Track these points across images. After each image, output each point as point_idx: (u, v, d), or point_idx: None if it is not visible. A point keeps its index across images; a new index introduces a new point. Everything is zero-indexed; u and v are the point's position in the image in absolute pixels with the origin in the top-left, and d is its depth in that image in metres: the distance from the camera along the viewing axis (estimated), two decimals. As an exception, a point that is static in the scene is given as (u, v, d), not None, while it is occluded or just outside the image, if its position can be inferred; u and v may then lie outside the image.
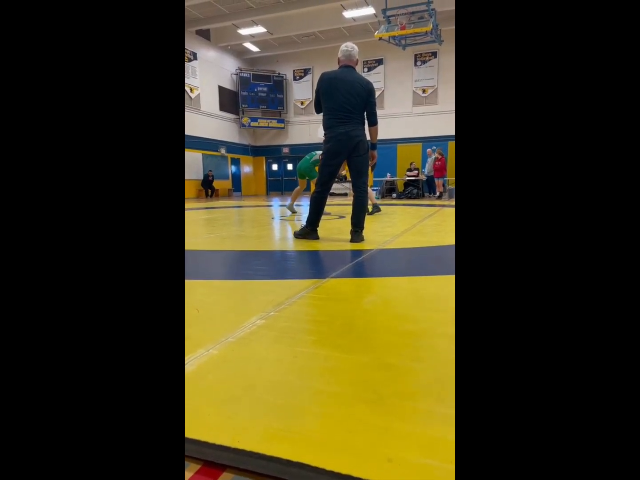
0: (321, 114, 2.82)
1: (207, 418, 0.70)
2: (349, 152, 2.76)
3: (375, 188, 11.63)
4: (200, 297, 1.52)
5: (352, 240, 2.77)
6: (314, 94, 2.85)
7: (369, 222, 4.07)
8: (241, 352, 0.99)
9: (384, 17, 10.53)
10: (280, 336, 1.08)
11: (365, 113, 2.76)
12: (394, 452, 0.60)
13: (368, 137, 2.85)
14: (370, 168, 2.87)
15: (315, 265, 2.16)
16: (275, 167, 16.63)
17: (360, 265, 2.02)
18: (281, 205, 8.07)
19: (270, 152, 16.41)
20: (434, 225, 4.00)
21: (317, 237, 2.94)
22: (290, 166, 16.31)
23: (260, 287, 1.68)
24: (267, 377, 0.86)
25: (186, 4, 10.70)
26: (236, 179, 15.80)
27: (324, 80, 2.75)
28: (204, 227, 4.06)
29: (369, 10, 11.36)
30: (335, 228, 3.86)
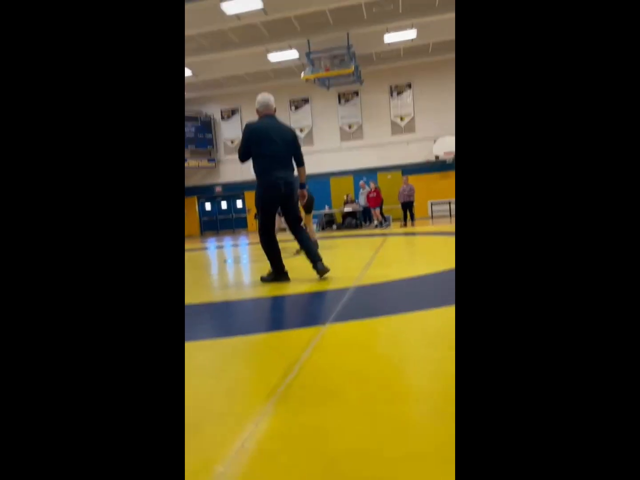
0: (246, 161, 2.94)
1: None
2: (286, 197, 2.92)
3: (314, 220, 11.83)
4: (207, 361, 1.41)
5: (319, 274, 2.85)
6: (241, 144, 2.89)
7: (329, 257, 4.10)
8: (296, 420, 0.92)
9: (307, 61, 11.10)
10: (323, 396, 1.03)
11: (293, 157, 2.98)
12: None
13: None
14: (301, 206, 3.01)
15: (306, 311, 2.12)
16: (208, 206, 16.26)
17: (350, 306, 2.02)
18: (220, 246, 7.84)
19: (202, 192, 16.05)
20: (392, 255, 4.14)
21: (288, 279, 2.89)
22: (224, 204, 16.06)
23: (263, 341, 1.60)
24: (345, 446, 0.81)
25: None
26: (168, 222, 15.14)
27: (253, 131, 2.87)
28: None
29: (293, 54, 11.89)
30: (300, 266, 3.84)
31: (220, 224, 16.03)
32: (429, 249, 4.47)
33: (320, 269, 2.84)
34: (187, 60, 11.74)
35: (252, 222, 15.27)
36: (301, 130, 14.94)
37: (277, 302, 2.38)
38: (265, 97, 2.98)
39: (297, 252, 5.21)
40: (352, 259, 3.94)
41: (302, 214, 5.18)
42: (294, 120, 14.92)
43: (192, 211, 16.26)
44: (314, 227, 5.54)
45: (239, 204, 15.93)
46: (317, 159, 14.82)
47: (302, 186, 3.10)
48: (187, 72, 12.66)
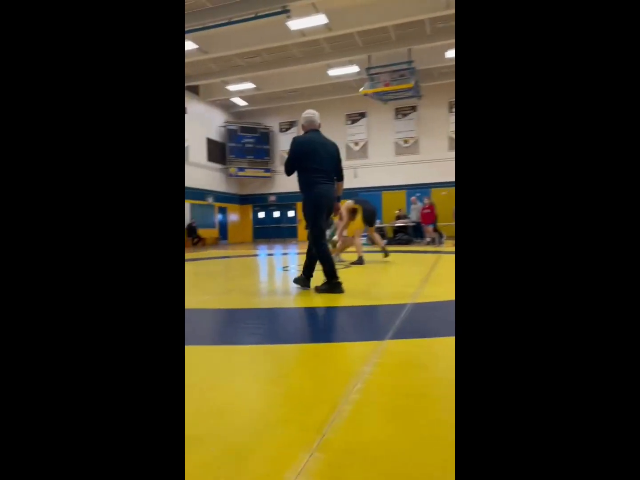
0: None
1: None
2: (330, 209, 3.00)
3: (364, 234, 11.77)
4: (264, 366, 1.44)
5: (320, 290, 2.90)
6: (289, 156, 2.97)
7: (383, 271, 4.06)
8: (361, 436, 0.92)
9: (367, 75, 11.20)
10: (390, 414, 1.02)
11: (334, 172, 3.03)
12: None
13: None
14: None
15: (364, 325, 2.11)
16: (262, 214, 16.74)
17: (407, 324, 1.98)
18: (283, 254, 8.01)
19: (257, 200, 16.58)
20: (449, 273, 4.03)
21: (342, 290, 2.90)
22: (277, 213, 16.46)
23: (322, 352, 1.61)
24: (415, 471, 0.79)
25: (178, 62, 11.07)
26: (223, 227, 15.76)
27: (301, 144, 2.96)
28: (214, 281, 3.97)
29: (353, 69, 12.06)
30: (354, 279, 3.84)
31: (272, 232, 16.43)
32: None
33: (329, 287, 2.86)
34: (251, 74, 12.29)
35: (303, 232, 15.51)
36: (356, 144, 15.04)
37: (333, 313, 2.39)
38: (310, 112, 3.11)
39: (352, 263, 5.21)
40: (406, 275, 3.88)
41: (360, 227, 5.20)
42: (350, 133, 15.05)
43: (246, 218, 16.83)
44: (361, 240, 5.56)
45: (291, 213, 16.25)
46: (370, 173, 14.82)
47: (338, 199, 3.16)
48: (251, 85, 13.23)
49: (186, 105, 13.54)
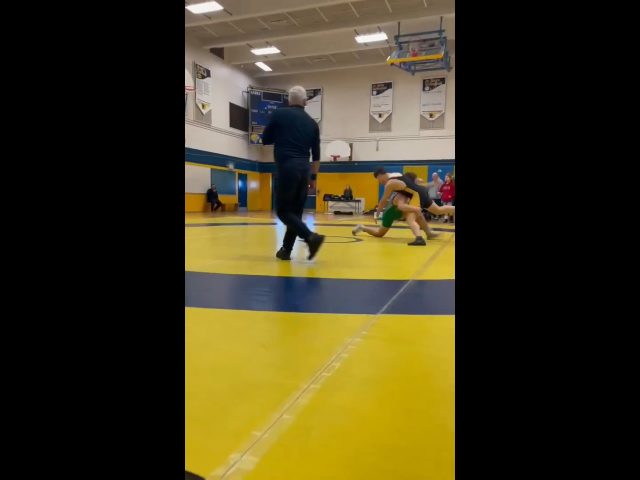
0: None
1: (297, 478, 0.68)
2: (301, 183, 3.07)
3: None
4: (258, 331, 1.50)
5: (310, 248, 3.07)
6: (266, 126, 3.10)
7: (392, 246, 4.06)
8: (333, 403, 0.96)
9: (395, 44, 10.77)
10: (363, 384, 1.06)
11: (311, 149, 3.14)
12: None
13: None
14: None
15: (360, 298, 2.15)
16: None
17: (404, 299, 2.00)
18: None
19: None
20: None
21: (321, 239, 3.08)
22: (296, 184, 16.41)
23: (312, 321, 1.65)
24: (378, 439, 0.83)
25: (202, 23, 10.92)
26: (242, 194, 15.86)
27: (280, 116, 3.07)
28: (227, 247, 4.06)
29: (381, 36, 11.61)
30: (358, 252, 3.86)
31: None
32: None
33: (311, 245, 3.02)
34: (276, 38, 11.99)
35: (320, 203, 15.49)
36: (380, 116, 14.68)
37: (332, 286, 2.43)
38: (295, 88, 3.14)
39: (354, 232, 5.21)
40: (416, 253, 3.87)
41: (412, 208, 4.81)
42: (374, 104, 14.67)
43: (266, 187, 16.86)
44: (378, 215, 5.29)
45: (310, 184, 16.16)
46: (392, 146, 14.52)
47: (313, 177, 3.22)
48: (276, 50, 12.94)
49: (210, 68, 13.39)
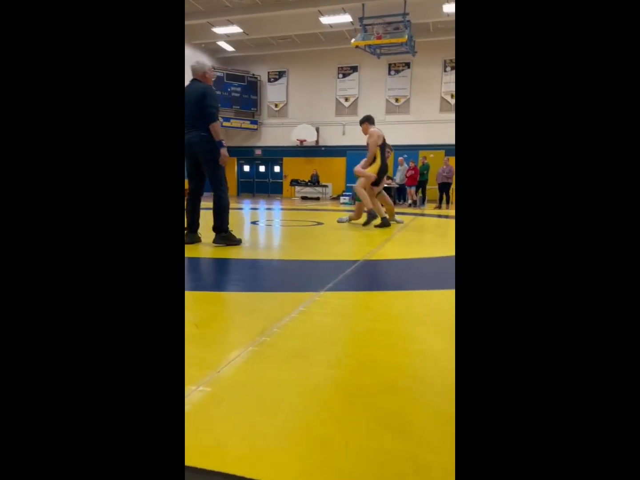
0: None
1: (233, 448, 0.68)
2: (193, 157, 2.92)
3: (347, 194, 11.73)
4: (195, 311, 1.48)
5: (214, 241, 2.94)
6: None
7: (349, 230, 4.10)
8: (252, 374, 0.97)
9: (360, 26, 10.69)
10: (288, 356, 1.07)
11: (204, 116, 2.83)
12: (434, 485, 0.60)
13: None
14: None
15: (305, 277, 2.16)
16: (247, 168, 16.45)
17: (350, 278, 2.03)
18: (253, 208, 7.96)
19: (242, 153, 16.22)
20: (415, 235, 4.09)
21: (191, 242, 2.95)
22: (262, 168, 16.19)
23: (254, 300, 1.65)
24: (285, 400, 0.84)
25: (160, -2, 10.38)
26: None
27: None
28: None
29: (346, 18, 11.48)
30: (314, 235, 3.87)
31: (257, 187, 16.23)
32: (454, 233, 4.37)
33: (218, 243, 2.91)
34: (239, 17, 11.63)
35: (288, 189, 15.37)
36: (346, 99, 14.62)
37: (282, 266, 2.43)
38: (193, 62, 3.02)
39: (349, 219, 4.78)
40: (370, 235, 3.92)
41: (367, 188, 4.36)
42: (340, 88, 14.57)
43: (231, 171, 16.53)
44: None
45: (277, 168, 16.00)
46: (358, 130, 14.51)
47: (220, 145, 2.88)
48: (238, 29, 12.55)
49: (169, 47, 12.85)
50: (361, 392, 0.89)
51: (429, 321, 1.42)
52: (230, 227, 3.04)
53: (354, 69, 14.41)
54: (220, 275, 2.18)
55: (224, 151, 2.92)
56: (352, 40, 10.82)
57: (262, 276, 2.15)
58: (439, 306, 1.59)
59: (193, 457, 0.66)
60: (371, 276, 2.17)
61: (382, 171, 4.38)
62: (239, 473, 0.63)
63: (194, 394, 0.86)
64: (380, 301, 1.67)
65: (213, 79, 3.10)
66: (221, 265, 2.40)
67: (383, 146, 4.40)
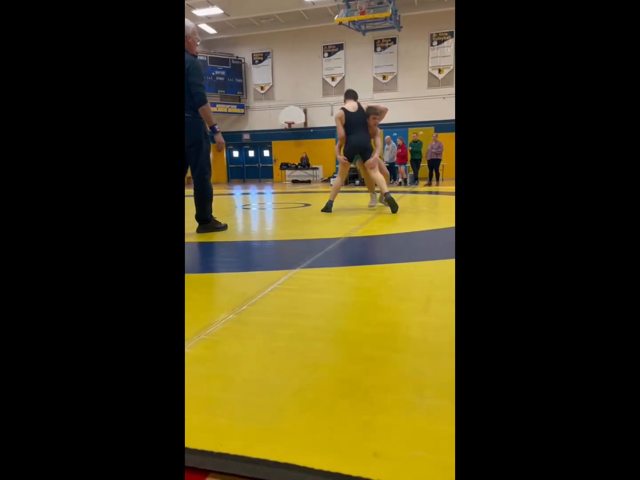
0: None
1: (185, 422, 0.68)
2: (188, 142, 2.59)
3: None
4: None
5: (197, 231, 2.77)
6: None
7: (334, 208, 4.07)
8: (216, 350, 0.96)
9: (343, 2, 10.43)
10: (255, 331, 1.06)
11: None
12: (380, 447, 0.60)
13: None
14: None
15: (285, 256, 2.15)
16: (236, 154, 16.26)
17: (329, 254, 2.02)
18: (244, 194, 7.90)
19: (231, 139, 15.99)
20: (401, 212, 4.07)
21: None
22: (251, 153, 16.02)
23: (228, 280, 1.64)
24: (245, 375, 0.84)
25: (136, -20, 10.08)
26: (195, 167, 15.33)
27: None
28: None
29: (329, -6, 11.21)
30: (301, 216, 3.85)
31: (247, 173, 16.07)
32: (442, 209, 4.36)
33: (200, 231, 2.74)
34: (218, -3, 11.31)
35: (278, 173, 15.24)
36: (333, 79, 14.38)
37: (262, 247, 2.41)
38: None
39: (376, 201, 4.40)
40: (357, 214, 3.90)
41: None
42: (326, 67, 14.31)
43: (220, 158, 16.33)
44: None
45: (266, 153, 15.83)
46: (347, 111, 14.34)
47: (213, 130, 2.58)
48: (218, 11, 12.23)
49: (149, 31, 12.52)
50: (324, 362, 0.89)
51: (402, 293, 1.41)
52: (220, 212, 3.00)
53: (340, 47, 14.13)
54: (199, 258, 2.16)
55: (219, 137, 2.68)
56: (336, 17, 10.58)
57: (240, 257, 2.13)
58: (414, 277, 1.58)
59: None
60: (349, 252, 2.16)
61: (350, 149, 4.06)
62: (191, 445, 0.62)
63: (152, 371, 0.85)
64: (356, 275, 1.67)
65: (198, 43, 2.67)
66: (201, 248, 2.38)
67: (350, 124, 4.06)
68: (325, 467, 0.56)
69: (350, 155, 4.08)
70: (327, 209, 3.97)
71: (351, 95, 4.19)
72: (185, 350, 0.95)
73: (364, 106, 4.08)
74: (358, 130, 4.00)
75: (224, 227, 2.90)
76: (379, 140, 4.16)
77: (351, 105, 4.06)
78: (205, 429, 0.66)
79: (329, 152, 14.46)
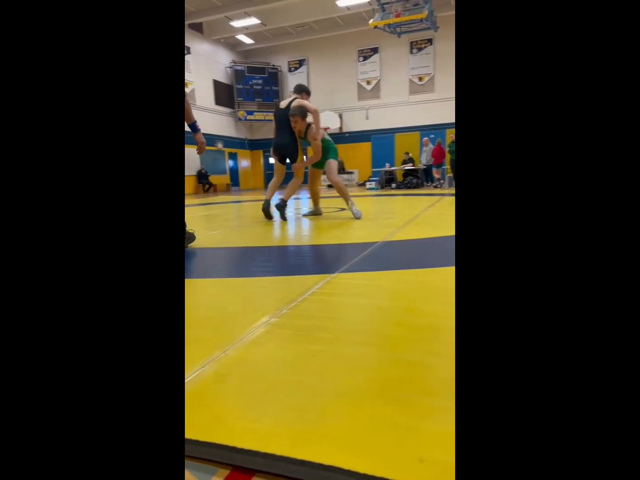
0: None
1: (232, 422, 0.70)
2: None
3: (374, 179, 11.58)
4: (210, 296, 1.52)
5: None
6: None
7: (370, 212, 4.05)
8: (258, 352, 0.98)
9: (378, 5, 10.41)
10: (295, 335, 1.08)
11: None
12: (424, 452, 0.59)
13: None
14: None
15: (323, 261, 2.16)
16: (272, 160, 16.51)
17: (367, 259, 2.01)
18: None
19: (267, 145, 16.25)
20: (436, 215, 4.00)
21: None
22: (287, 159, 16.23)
23: (268, 284, 1.67)
24: (287, 378, 0.85)
25: (177, -3, 10.54)
26: (234, 174, 15.73)
27: None
28: (206, 223, 4.05)
29: (363, -1, 11.23)
30: (338, 220, 3.86)
31: (284, 178, 16.28)
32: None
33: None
34: (256, 8, 11.61)
35: (314, 177, 15.32)
36: (368, 83, 14.36)
37: (296, 251, 2.44)
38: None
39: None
40: (394, 217, 3.86)
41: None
42: (361, 71, 14.32)
43: (257, 164, 16.69)
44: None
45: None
46: (382, 113, 14.26)
47: (194, 128, 2.37)
48: (256, 21, 12.54)
49: (190, 44, 13.02)
50: (364, 366, 0.89)
51: (442, 297, 1.39)
52: (256, 218, 3.06)
53: (374, 50, 14.10)
54: (238, 263, 2.22)
55: (199, 136, 2.40)
56: (371, 21, 10.57)
57: (278, 261, 2.17)
58: (453, 282, 1.55)
59: (194, 431, 0.67)
60: (387, 257, 2.14)
61: (273, 148, 3.86)
62: (235, 444, 0.64)
63: (198, 372, 0.88)
64: (394, 280, 1.65)
65: None
66: (240, 253, 2.44)
67: (276, 120, 3.85)
68: (371, 471, 0.56)
69: (277, 154, 3.81)
70: (280, 211, 3.69)
71: (297, 90, 3.88)
72: (228, 352, 0.98)
73: (295, 104, 3.67)
74: (281, 128, 3.73)
75: (191, 238, 2.55)
76: (316, 143, 3.73)
77: (285, 102, 3.80)
78: (251, 429, 0.68)
79: (364, 156, 14.41)
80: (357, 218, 3.66)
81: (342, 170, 14.41)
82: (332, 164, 3.87)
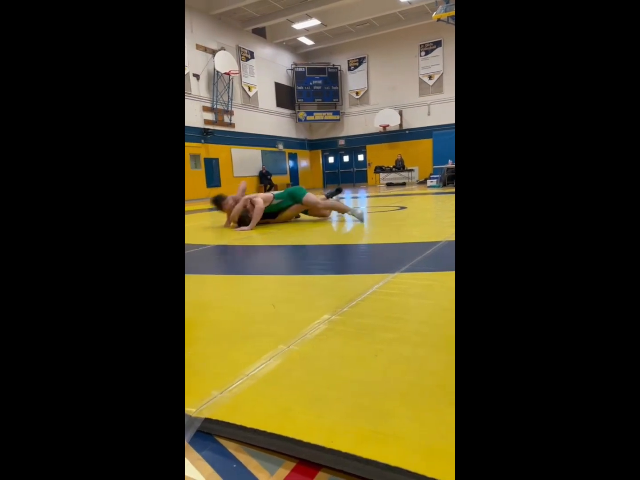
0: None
1: (297, 416, 0.71)
2: None
3: (435, 176, 11.23)
4: (273, 292, 1.56)
5: None
6: None
7: (432, 211, 3.93)
8: (321, 349, 0.99)
9: (441, -3, 10.06)
10: (357, 333, 1.08)
11: None
12: (497, 462, 0.56)
13: None
14: None
15: (382, 260, 2.13)
16: (331, 159, 16.65)
17: (428, 258, 1.96)
18: (339, 198, 8.03)
19: (326, 145, 16.44)
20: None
21: None
22: (346, 158, 16.26)
23: (329, 282, 1.68)
24: (350, 375, 0.85)
25: (242, 3, 10.97)
26: (294, 174, 16.04)
27: None
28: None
29: (426, -9, 10.91)
30: (396, 219, 3.79)
31: (342, 178, 16.35)
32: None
33: None
34: (316, 9, 11.73)
35: (372, 176, 15.21)
36: (430, 78, 13.93)
37: (356, 250, 2.43)
38: None
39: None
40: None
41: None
42: (423, 66, 13.93)
43: (316, 164, 16.88)
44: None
45: (360, 157, 15.93)
46: (445, 109, 13.75)
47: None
48: (316, 22, 12.68)
49: (253, 49, 13.47)
50: (429, 368, 0.87)
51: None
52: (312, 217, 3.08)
53: (437, 44, 13.64)
54: (299, 261, 2.26)
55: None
56: (434, 14, 10.24)
57: (339, 260, 2.18)
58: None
59: (261, 422, 0.70)
60: (450, 257, 2.06)
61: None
62: (301, 438, 0.65)
63: (265, 365, 0.91)
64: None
65: None
66: (301, 251, 2.48)
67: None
68: (438, 475, 0.54)
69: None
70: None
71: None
72: (291, 347, 1.01)
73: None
74: None
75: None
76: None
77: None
78: (316, 424, 0.68)
79: (425, 153, 14.02)
80: (360, 219, 3.54)
81: (402, 168, 14.13)
82: (309, 197, 3.75)
